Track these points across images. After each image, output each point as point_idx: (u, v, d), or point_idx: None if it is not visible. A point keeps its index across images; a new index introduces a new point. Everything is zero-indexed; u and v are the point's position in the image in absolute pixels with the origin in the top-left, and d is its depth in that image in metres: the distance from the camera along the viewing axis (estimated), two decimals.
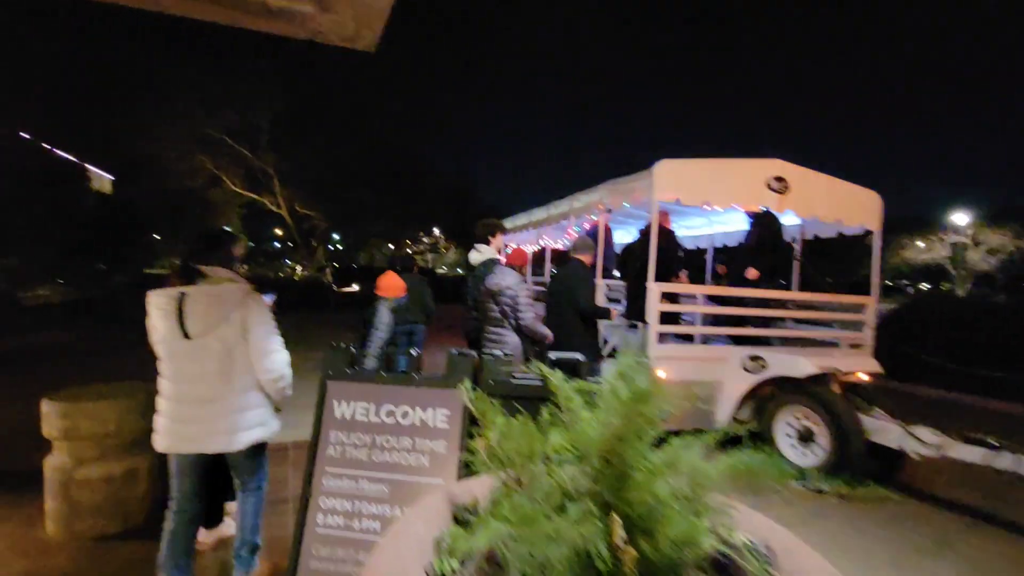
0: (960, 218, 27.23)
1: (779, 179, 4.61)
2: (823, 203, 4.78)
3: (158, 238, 27.34)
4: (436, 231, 39.11)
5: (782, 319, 5.31)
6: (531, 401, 1.72)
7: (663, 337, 4.36)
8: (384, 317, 4.82)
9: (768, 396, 4.27)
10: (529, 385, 2.10)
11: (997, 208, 29.70)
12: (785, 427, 4.07)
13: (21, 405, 4.54)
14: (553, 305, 4.15)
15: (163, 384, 2.14)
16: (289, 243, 42.44)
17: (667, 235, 5.14)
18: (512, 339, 3.49)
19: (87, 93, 21.85)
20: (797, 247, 5.61)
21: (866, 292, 4.92)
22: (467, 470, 1.91)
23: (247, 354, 2.12)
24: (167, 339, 2.09)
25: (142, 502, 2.94)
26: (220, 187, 21.71)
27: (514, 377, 2.12)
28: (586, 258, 4.16)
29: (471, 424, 2.09)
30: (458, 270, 46.71)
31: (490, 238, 4.19)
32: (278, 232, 39.66)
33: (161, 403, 2.15)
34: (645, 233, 4.99)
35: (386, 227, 28.61)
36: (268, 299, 2.38)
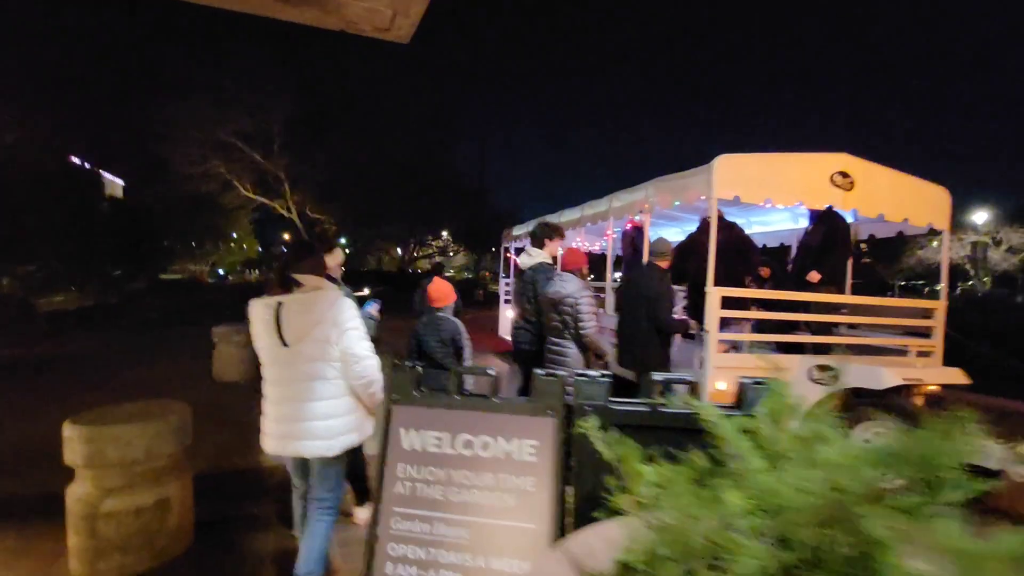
0: (979, 216, 26.65)
1: (843, 174, 4.28)
2: (889, 200, 4.44)
3: (167, 244, 27.38)
4: (445, 234, 38.88)
5: (836, 324, 4.97)
6: (642, 432, 1.43)
7: (722, 347, 4.04)
8: (463, 329, 3.75)
9: (836, 410, 3.93)
10: (644, 412, 1.78)
11: (1016, 206, 29.06)
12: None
13: (42, 422, 4.30)
14: (627, 315, 3.82)
15: (267, 388, 2.22)
16: None
17: (730, 230, 4.66)
18: (574, 352, 3.19)
19: (98, 95, 21.89)
20: (863, 247, 5.22)
21: (914, 294, 4.57)
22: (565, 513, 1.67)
23: (339, 360, 2.15)
24: (268, 346, 2.17)
25: (176, 535, 2.67)
26: (232, 192, 21.62)
27: (617, 403, 1.80)
28: (663, 263, 3.84)
29: (567, 457, 1.78)
30: (466, 273, 46.63)
31: (547, 241, 3.90)
32: (286, 236, 39.77)
33: (266, 406, 2.22)
34: (700, 232, 4.67)
35: (396, 230, 28.47)
36: (374, 307, 2.70)
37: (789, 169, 4.18)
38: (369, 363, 2.19)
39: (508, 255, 9.67)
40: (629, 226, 5.77)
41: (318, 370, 2.12)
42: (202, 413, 3.37)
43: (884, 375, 3.59)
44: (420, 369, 2.00)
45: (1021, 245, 27.11)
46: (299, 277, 2.19)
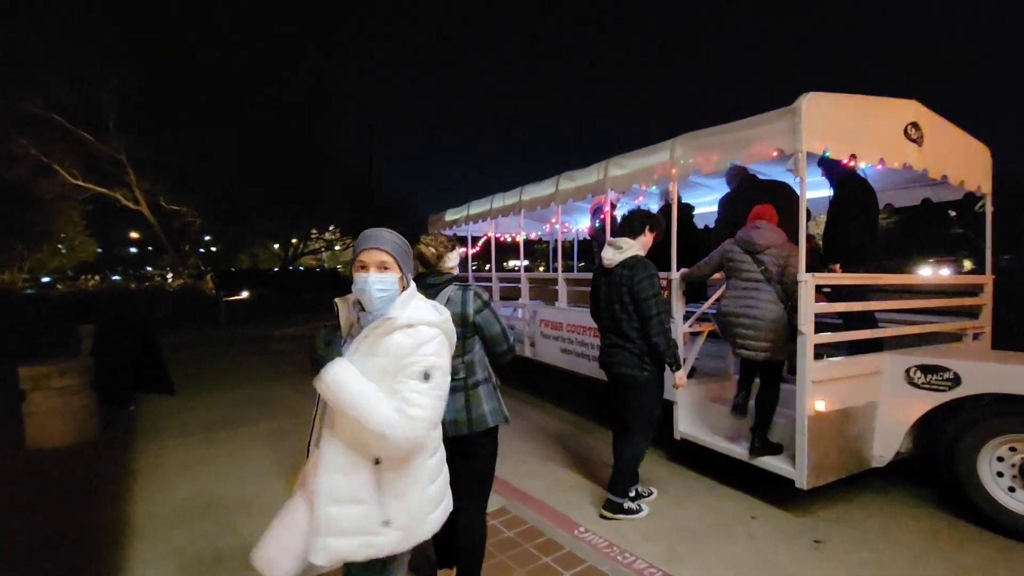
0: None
1: (915, 125, 3.52)
2: (951, 159, 3.80)
3: None
4: (332, 228, 35.29)
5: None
6: None
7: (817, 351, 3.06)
8: None
9: (945, 420, 3.16)
10: None
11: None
12: (994, 464, 2.95)
13: None
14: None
15: None
16: (150, 247, 36.04)
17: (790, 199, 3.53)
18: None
19: None
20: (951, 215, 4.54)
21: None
22: None
23: None
24: None
25: None
26: (52, 179, 17.03)
27: None
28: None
29: None
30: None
31: (647, 231, 3.09)
32: (135, 235, 33.37)
33: None
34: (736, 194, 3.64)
35: (275, 224, 24.87)
36: None
37: (872, 117, 3.31)
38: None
39: None
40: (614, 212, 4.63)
41: None
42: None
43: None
44: None
45: None
46: None
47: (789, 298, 3.15)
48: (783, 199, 3.65)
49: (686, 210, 5.10)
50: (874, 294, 3.98)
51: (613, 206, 4.78)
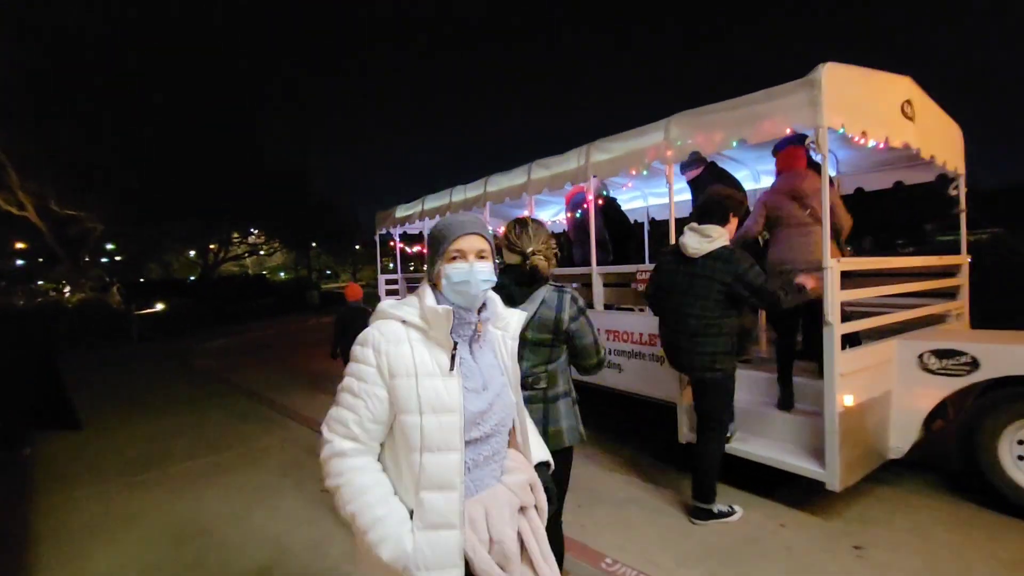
0: None
1: (909, 103, 3.42)
2: (938, 138, 3.76)
3: None
4: (255, 232, 32.80)
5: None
6: None
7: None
8: None
9: (964, 407, 3.08)
10: None
11: None
12: (1015, 447, 2.87)
13: None
14: None
15: None
16: (40, 258, 31.91)
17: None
18: None
19: None
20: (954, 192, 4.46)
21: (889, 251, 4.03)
22: None
23: None
24: None
25: None
26: None
27: None
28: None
29: None
30: (281, 274, 40.51)
31: (731, 216, 2.85)
32: (21, 245, 29.33)
33: None
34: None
35: (189, 228, 22.66)
36: None
37: (876, 92, 3.15)
38: None
39: (393, 243, 7.56)
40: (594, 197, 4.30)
41: None
42: None
43: None
44: None
45: None
46: None
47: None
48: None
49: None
50: (860, 280, 3.90)
51: (598, 195, 4.45)
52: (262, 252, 33.29)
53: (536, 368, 1.96)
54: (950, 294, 4.08)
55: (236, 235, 29.41)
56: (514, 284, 1.94)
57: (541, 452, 1.39)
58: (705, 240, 2.77)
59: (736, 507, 2.99)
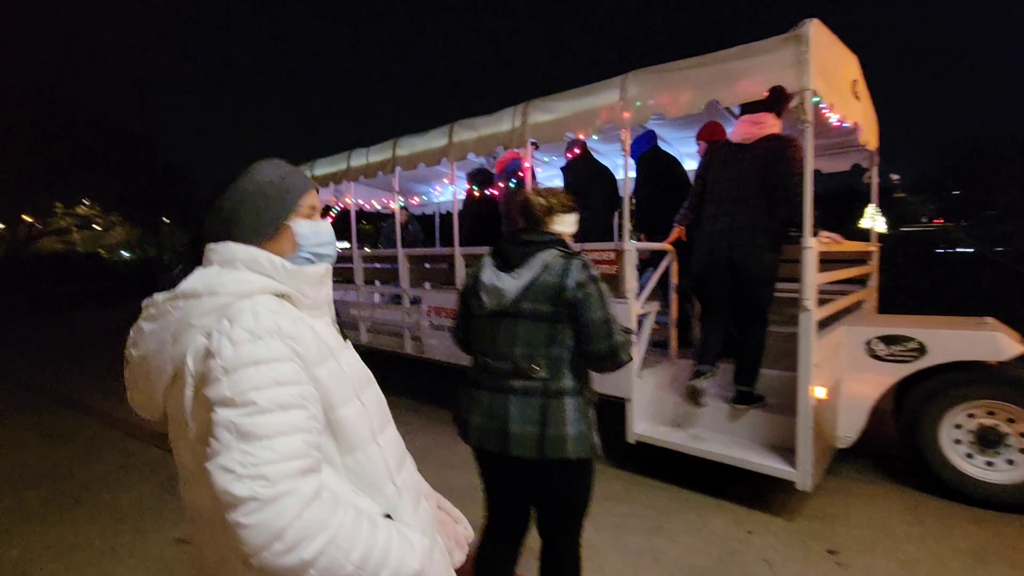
0: None
1: (855, 82, 3.34)
2: (869, 121, 3.76)
3: None
4: (86, 203, 27.33)
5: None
6: None
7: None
8: None
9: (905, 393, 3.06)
10: None
11: None
12: (952, 431, 2.89)
13: None
14: None
15: None
16: None
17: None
18: None
19: None
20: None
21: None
22: None
23: None
24: None
25: None
26: None
27: None
28: None
29: None
30: (123, 253, 34.47)
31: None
32: None
33: None
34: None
35: None
36: None
37: (839, 65, 2.95)
38: None
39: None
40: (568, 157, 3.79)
41: None
42: None
43: (1001, 342, 2.74)
44: None
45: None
46: None
47: None
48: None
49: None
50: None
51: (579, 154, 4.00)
52: (96, 227, 28.05)
53: (532, 351, 1.50)
54: (861, 281, 4.21)
55: (59, 205, 24.39)
56: (511, 243, 1.56)
57: None
58: (758, 127, 2.84)
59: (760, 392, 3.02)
